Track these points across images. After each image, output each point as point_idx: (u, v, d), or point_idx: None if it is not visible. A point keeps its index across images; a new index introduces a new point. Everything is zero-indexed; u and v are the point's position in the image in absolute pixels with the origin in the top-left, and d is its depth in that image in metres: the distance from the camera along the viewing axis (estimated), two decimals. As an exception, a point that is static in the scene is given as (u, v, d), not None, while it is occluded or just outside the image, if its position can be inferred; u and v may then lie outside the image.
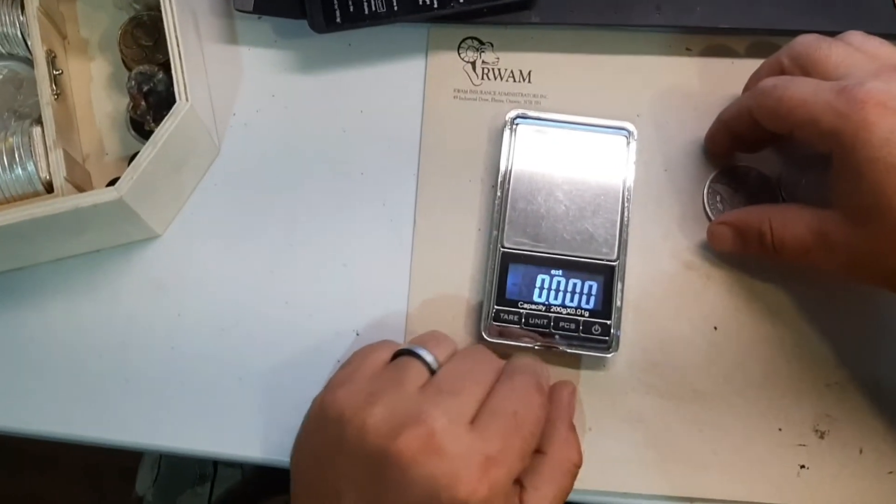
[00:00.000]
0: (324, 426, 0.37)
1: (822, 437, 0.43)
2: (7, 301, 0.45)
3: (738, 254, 0.43)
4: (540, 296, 0.43)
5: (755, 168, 0.45)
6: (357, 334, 0.45)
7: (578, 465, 0.39)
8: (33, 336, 0.45)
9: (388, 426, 0.34)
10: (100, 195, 0.40)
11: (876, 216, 0.35)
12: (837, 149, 0.36)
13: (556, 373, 0.43)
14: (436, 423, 0.34)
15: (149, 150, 0.40)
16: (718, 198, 0.45)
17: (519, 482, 0.37)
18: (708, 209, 0.45)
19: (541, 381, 0.39)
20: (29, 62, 0.46)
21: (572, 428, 0.40)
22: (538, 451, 0.38)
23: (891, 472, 0.42)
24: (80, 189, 0.43)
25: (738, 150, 0.45)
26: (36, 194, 0.42)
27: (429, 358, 0.38)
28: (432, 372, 0.37)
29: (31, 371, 0.45)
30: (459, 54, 0.48)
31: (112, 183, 0.40)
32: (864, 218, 0.36)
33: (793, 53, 0.40)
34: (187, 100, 0.41)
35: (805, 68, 0.39)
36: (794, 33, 0.42)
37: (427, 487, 0.33)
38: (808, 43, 0.40)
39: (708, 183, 0.45)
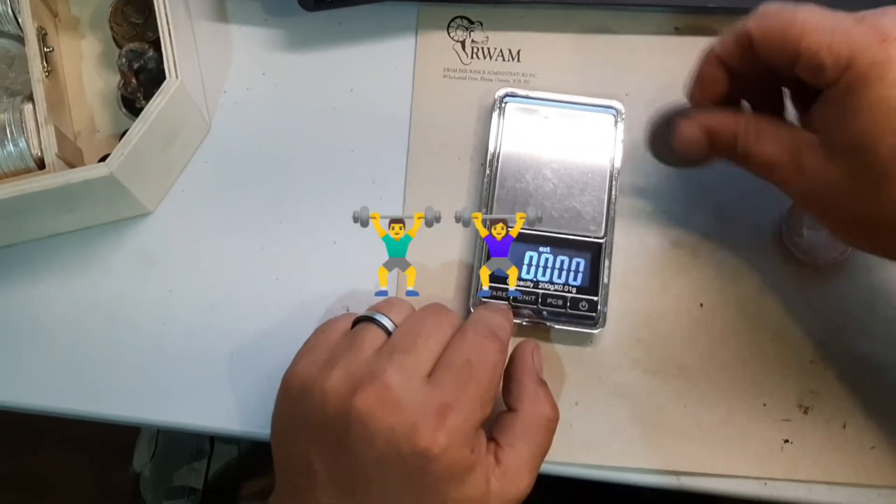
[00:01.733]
0: (288, 400, 0.37)
1: (805, 412, 0.43)
2: None
3: (702, 159, 0.41)
4: (528, 272, 0.43)
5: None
6: (347, 310, 0.45)
7: (553, 420, 0.39)
8: (25, 312, 0.46)
9: (346, 387, 0.35)
10: (91, 171, 0.40)
11: (860, 154, 0.33)
12: (845, 80, 0.33)
13: (543, 348, 0.44)
14: (391, 378, 0.34)
15: (139, 127, 0.41)
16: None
17: (494, 441, 0.37)
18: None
19: (495, 330, 0.38)
20: (20, 39, 0.46)
21: (541, 383, 0.40)
22: (510, 409, 0.39)
23: (873, 447, 0.43)
24: (72, 165, 0.43)
25: (728, 95, 0.40)
26: (28, 170, 0.42)
27: (385, 321, 0.38)
28: (389, 334, 0.38)
29: (24, 346, 0.45)
30: (449, 33, 0.48)
31: (103, 159, 0.41)
32: (845, 151, 0.34)
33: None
34: (177, 76, 0.42)
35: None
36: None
37: (388, 440, 0.33)
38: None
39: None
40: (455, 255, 0.45)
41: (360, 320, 0.39)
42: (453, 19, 0.48)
